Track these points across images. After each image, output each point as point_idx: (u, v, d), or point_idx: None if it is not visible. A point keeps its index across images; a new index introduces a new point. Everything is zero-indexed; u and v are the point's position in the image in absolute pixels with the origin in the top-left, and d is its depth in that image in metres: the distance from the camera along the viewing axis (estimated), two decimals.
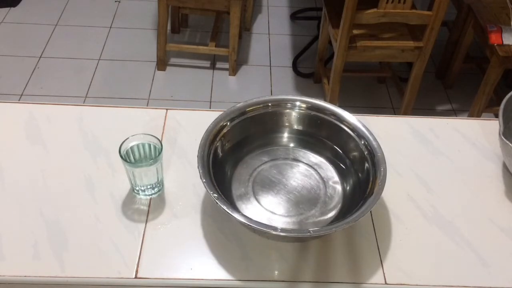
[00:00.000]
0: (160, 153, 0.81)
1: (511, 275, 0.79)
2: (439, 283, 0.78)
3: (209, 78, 2.40)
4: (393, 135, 1.01)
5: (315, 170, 0.91)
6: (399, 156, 0.97)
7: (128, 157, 0.83)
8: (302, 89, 2.41)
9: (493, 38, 1.89)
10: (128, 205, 0.85)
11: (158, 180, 0.85)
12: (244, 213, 0.76)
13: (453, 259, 0.81)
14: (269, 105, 0.91)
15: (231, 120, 0.88)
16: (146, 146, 0.85)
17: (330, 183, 0.89)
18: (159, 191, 0.87)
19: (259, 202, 0.85)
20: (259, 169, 0.90)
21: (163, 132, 0.98)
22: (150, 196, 0.87)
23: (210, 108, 2.25)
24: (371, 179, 0.81)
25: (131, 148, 0.84)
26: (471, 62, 2.45)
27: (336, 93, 2.08)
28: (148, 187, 0.85)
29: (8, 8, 2.74)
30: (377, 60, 2.15)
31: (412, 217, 0.87)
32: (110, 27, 2.67)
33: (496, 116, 1.02)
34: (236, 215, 0.72)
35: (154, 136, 0.83)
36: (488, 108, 2.07)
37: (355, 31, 1.91)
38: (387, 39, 1.93)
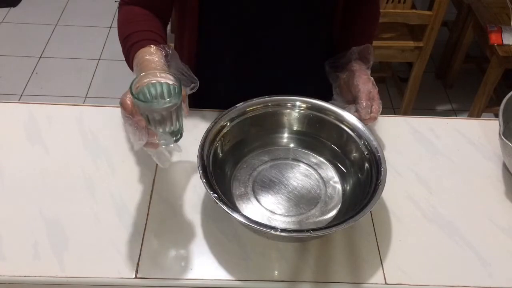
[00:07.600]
0: (179, 91, 0.70)
1: (511, 275, 0.79)
2: (439, 283, 0.78)
3: None
4: (393, 135, 1.01)
5: (315, 170, 0.91)
6: (399, 156, 0.97)
7: (144, 97, 0.71)
8: None
9: (493, 38, 1.89)
10: (128, 205, 0.85)
11: (179, 126, 0.75)
12: (244, 213, 0.76)
13: (453, 259, 0.81)
14: (269, 105, 0.91)
15: (231, 120, 0.88)
16: (164, 86, 0.73)
17: (330, 183, 0.89)
18: (180, 137, 0.78)
19: (259, 202, 0.85)
20: (259, 169, 0.90)
21: None
22: (172, 144, 0.78)
23: None
24: (371, 179, 0.81)
25: (147, 87, 0.72)
26: (471, 62, 2.45)
27: None
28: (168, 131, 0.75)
29: (8, 8, 2.74)
30: (377, 60, 2.15)
31: (412, 217, 0.87)
32: (110, 27, 2.66)
33: (496, 116, 1.02)
34: (236, 215, 0.72)
35: (170, 74, 0.72)
36: (488, 108, 2.07)
37: None
38: (387, 39, 1.93)
